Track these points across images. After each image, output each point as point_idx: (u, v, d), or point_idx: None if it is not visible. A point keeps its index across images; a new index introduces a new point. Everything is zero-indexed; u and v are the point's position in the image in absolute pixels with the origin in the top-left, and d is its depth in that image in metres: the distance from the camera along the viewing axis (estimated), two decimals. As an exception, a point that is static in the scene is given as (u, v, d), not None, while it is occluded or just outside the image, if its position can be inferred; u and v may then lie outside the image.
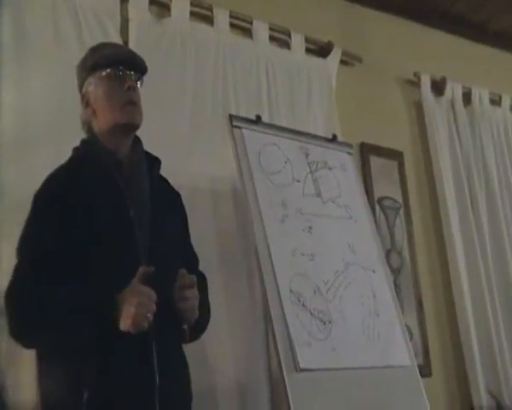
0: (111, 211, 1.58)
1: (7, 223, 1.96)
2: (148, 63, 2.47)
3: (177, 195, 1.87)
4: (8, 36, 2.24)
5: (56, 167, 1.67)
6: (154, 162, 1.77)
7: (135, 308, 1.43)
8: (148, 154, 1.78)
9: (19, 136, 2.14)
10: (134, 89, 1.71)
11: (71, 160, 1.70)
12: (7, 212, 2.00)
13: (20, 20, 2.28)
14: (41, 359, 1.57)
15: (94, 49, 1.75)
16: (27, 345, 1.60)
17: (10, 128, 2.14)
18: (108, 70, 1.69)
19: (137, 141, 1.77)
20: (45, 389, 1.55)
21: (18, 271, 1.54)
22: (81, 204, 1.56)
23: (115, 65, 1.70)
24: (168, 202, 1.76)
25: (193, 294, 1.61)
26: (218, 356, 2.25)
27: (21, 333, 1.53)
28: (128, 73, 1.71)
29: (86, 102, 1.73)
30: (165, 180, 1.83)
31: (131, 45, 2.48)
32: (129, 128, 1.70)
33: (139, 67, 1.76)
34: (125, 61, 1.72)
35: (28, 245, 1.56)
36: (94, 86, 1.71)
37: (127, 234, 1.57)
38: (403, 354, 2.38)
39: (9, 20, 2.26)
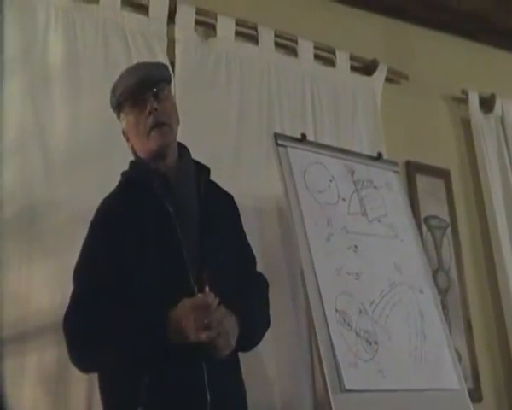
0: (158, 231, 1.61)
1: (61, 235, 2.02)
2: (194, 82, 2.54)
3: (229, 198, 1.88)
4: (60, 58, 2.31)
5: (108, 194, 1.73)
6: (203, 170, 1.79)
7: (193, 323, 1.46)
8: (197, 163, 1.80)
9: (70, 154, 2.21)
10: (156, 109, 1.70)
11: (120, 184, 1.76)
12: (60, 226, 2.06)
13: (72, 43, 2.36)
14: (101, 379, 1.62)
15: (113, 89, 1.77)
16: (86, 369, 1.67)
17: (62, 147, 2.21)
18: (128, 103, 1.73)
19: (183, 148, 1.80)
20: (105, 407, 1.59)
21: (74, 298, 1.60)
22: (130, 227, 1.61)
23: (134, 93, 1.71)
24: (219, 208, 1.76)
25: (222, 328, 1.53)
26: (262, 375, 2.24)
27: (79, 358, 1.58)
28: (147, 94, 1.71)
29: (126, 137, 1.79)
30: (215, 185, 1.85)
31: (178, 65, 2.54)
32: (161, 151, 1.71)
33: (157, 80, 1.75)
34: (141, 83, 1.71)
35: (83, 273, 1.62)
36: (126, 123, 1.76)
37: (175, 253, 1.59)
38: (451, 377, 2.32)
39: (61, 42, 2.33)
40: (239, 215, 1.87)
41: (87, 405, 1.94)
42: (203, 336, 1.47)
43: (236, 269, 1.70)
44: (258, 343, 1.79)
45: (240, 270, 1.72)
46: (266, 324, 1.80)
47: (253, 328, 1.67)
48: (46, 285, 1.99)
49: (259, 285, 1.83)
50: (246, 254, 1.84)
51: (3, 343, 1.94)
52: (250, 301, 1.67)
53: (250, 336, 1.66)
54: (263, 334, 1.79)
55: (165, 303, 1.51)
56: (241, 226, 1.87)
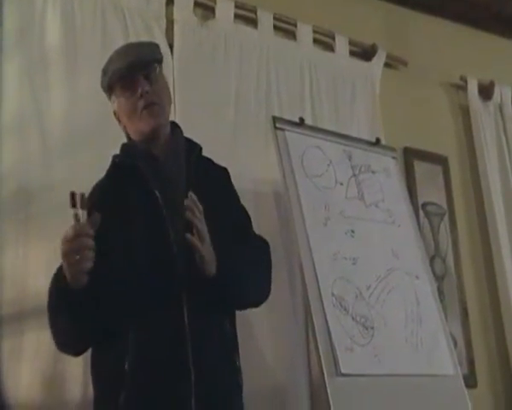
0: (144, 215, 1.60)
1: (57, 216, 2.00)
2: (192, 64, 2.53)
3: (222, 170, 1.85)
4: (57, 38, 2.30)
5: (98, 180, 1.73)
6: (194, 148, 1.77)
7: (66, 263, 1.41)
8: (188, 140, 1.79)
9: (67, 135, 2.19)
10: (147, 92, 1.68)
11: (109, 168, 1.75)
12: (57, 207, 2.03)
13: (69, 23, 2.33)
14: (91, 363, 1.62)
15: (104, 70, 1.76)
16: (70, 351, 1.65)
17: (60, 128, 2.20)
18: (120, 85, 1.71)
19: (176, 127, 1.80)
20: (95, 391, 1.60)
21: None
22: (117, 212, 1.59)
23: (125, 77, 1.70)
24: (210, 184, 1.71)
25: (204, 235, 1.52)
26: (258, 359, 2.24)
27: (61, 345, 1.59)
28: (138, 77, 1.70)
29: (118, 118, 1.78)
30: (207, 161, 1.82)
31: (176, 47, 2.53)
32: (153, 131, 1.70)
33: (147, 62, 1.73)
34: (132, 67, 1.69)
35: None
36: (117, 104, 1.75)
37: (162, 236, 1.57)
38: (447, 363, 2.33)
39: (59, 23, 2.31)
40: (232, 185, 1.84)
41: (83, 384, 1.94)
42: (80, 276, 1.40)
43: (231, 241, 1.65)
44: (252, 302, 1.75)
45: (234, 237, 1.67)
46: (263, 282, 1.73)
47: (241, 282, 1.61)
48: (43, 266, 1.98)
49: (254, 244, 1.76)
50: (239, 220, 1.78)
51: (1, 323, 1.94)
52: (234, 258, 1.60)
53: (238, 293, 1.62)
54: (258, 292, 1.73)
55: (152, 287, 1.50)
56: (235, 193, 1.83)
